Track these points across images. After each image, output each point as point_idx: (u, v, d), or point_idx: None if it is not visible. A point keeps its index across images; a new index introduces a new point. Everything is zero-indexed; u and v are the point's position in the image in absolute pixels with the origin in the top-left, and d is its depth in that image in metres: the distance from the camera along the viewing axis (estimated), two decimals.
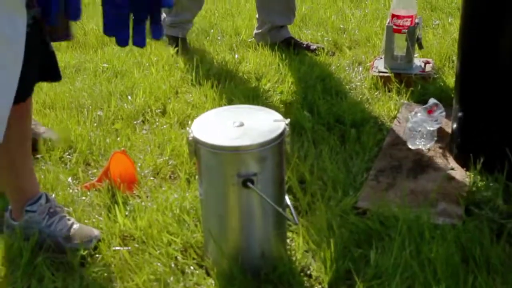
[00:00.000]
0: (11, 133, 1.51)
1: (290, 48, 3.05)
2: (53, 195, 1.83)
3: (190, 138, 1.46)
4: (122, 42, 1.37)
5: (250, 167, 1.43)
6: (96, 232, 1.72)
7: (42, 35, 1.52)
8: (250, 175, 1.42)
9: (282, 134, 1.45)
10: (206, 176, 1.49)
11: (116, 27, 1.36)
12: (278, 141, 1.44)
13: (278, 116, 1.50)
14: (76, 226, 1.71)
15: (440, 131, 2.17)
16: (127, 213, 1.80)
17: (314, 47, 3.08)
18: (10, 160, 1.63)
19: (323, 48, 3.07)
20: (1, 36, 1.34)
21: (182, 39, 3.14)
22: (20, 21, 1.34)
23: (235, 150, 1.42)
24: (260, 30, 3.18)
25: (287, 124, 1.47)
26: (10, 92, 1.38)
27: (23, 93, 1.49)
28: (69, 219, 1.73)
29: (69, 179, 2.02)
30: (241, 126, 1.46)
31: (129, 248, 1.67)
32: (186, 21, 3.15)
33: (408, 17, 2.60)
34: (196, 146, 1.46)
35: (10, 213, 1.73)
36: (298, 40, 3.18)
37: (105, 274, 1.58)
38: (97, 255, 1.65)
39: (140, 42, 1.37)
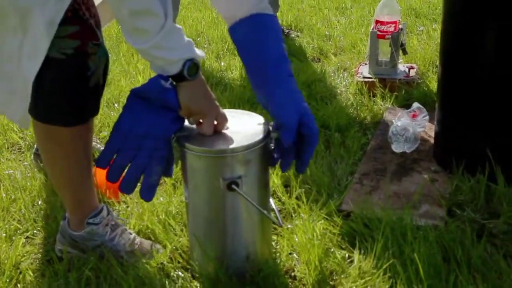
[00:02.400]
0: (68, 151, 1.54)
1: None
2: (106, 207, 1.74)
3: (175, 143, 1.48)
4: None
5: (234, 170, 1.44)
6: (157, 246, 1.68)
7: (84, 69, 1.45)
8: (234, 178, 1.44)
9: (266, 136, 1.47)
10: (191, 179, 1.51)
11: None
12: (262, 144, 1.46)
13: (262, 120, 1.52)
14: (137, 240, 1.68)
15: (424, 134, 2.20)
16: None
17: (293, 35, 3.48)
18: (68, 178, 1.59)
19: (298, 36, 3.45)
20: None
21: None
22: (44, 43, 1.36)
23: (220, 153, 1.43)
24: None
25: (270, 127, 1.49)
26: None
27: (77, 116, 1.50)
28: (130, 233, 1.69)
29: None
30: (226, 129, 1.48)
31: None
32: None
33: (392, 23, 2.64)
34: (181, 150, 1.48)
35: (68, 223, 1.66)
36: (281, 26, 3.53)
37: (91, 279, 1.59)
38: (83, 260, 1.66)
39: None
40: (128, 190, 1.49)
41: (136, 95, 1.46)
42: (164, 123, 1.44)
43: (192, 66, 1.38)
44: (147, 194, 1.48)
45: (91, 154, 1.62)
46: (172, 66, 1.37)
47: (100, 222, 1.64)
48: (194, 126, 1.49)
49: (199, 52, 1.40)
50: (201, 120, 1.46)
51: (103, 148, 2.04)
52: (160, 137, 1.44)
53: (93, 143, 2.15)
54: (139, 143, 1.44)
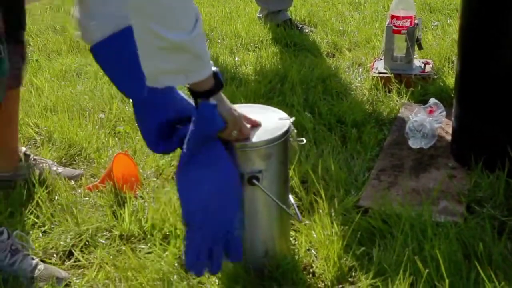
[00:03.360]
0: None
1: (292, 30, 3.37)
2: (14, 232, 1.65)
3: None
4: None
5: (255, 164, 1.44)
6: (63, 273, 1.57)
7: None
8: (255, 172, 1.43)
9: (287, 131, 1.46)
10: None
11: None
12: (283, 139, 1.45)
13: (283, 114, 1.51)
14: (41, 266, 1.56)
15: (441, 130, 2.18)
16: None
17: (306, 30, 3.44)
18: None
19: (311, 31, 3.42)
20: None
21: None
22: None
23: (241, 148, 1.43)
24: (260, 15, 3.58)
25: (291, 122, 1.48)
26: None
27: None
28: (33, 258, 1.58)
29: (72, 181, 2.02)
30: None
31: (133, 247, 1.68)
32: None
33: (408, 18, 2.62)
34: None
35: None
36: (295, 21, 3.53)
37: (110, 274, 1.59)
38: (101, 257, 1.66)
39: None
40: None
41: (185, 161, 1.35)
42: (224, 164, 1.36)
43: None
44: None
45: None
46: (207, 67, 1.31)
47: None
48: None
49: None
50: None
51: (58, 170, 1.94)
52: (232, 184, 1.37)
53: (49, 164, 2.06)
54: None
